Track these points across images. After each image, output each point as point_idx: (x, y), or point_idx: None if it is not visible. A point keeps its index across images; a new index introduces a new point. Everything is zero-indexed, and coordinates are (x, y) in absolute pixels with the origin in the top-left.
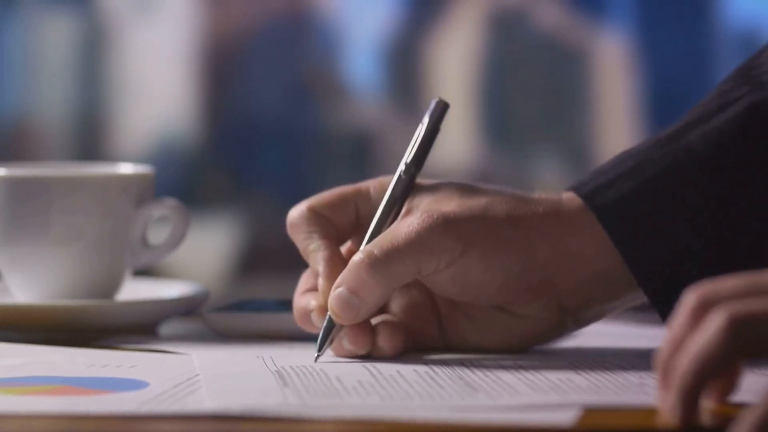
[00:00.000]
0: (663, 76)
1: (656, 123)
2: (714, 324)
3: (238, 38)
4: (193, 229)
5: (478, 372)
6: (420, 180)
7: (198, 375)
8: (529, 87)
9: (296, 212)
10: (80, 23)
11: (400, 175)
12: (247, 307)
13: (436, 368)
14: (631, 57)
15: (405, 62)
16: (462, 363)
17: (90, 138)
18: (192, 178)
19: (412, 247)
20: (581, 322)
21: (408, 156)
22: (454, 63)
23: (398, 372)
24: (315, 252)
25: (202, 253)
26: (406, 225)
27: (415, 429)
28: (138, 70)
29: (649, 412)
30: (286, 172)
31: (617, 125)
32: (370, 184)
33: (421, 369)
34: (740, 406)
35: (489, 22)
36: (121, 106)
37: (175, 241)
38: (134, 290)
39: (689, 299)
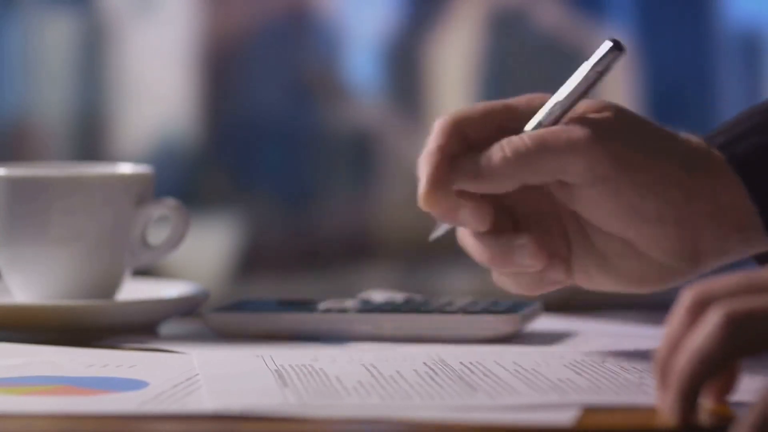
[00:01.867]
0: (663, 76)
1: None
2: (711, 323)
3: (238, 38)
4: (193, 229)
5: (478, 372)
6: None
7: (198, 375)
8: (529, 87)
9: (440, 122)
10: (80, 23)
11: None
12: (248, 307)
13: (436, 368)
14: (631, 57)
15: (405, 62)
16: (462, 363)
17: (90, 138)
18: (192, 178)
19: (563, 147)
20: (704, 272)
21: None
22: (454, 63)
23: (398, 372)
24: (424, 155)
25: (202, 253)
26: (562, 127)
27: (415, 429)
28: (138, 70)
29: (649, 412)
30: (286, 172)
31: None
32: (519, 102)
33: (421, 369)
34: (739, 406)
35: (489, 22)
36: (121, 106)
37: (175, 241)
38: (134, 290)
39: (686, 298)
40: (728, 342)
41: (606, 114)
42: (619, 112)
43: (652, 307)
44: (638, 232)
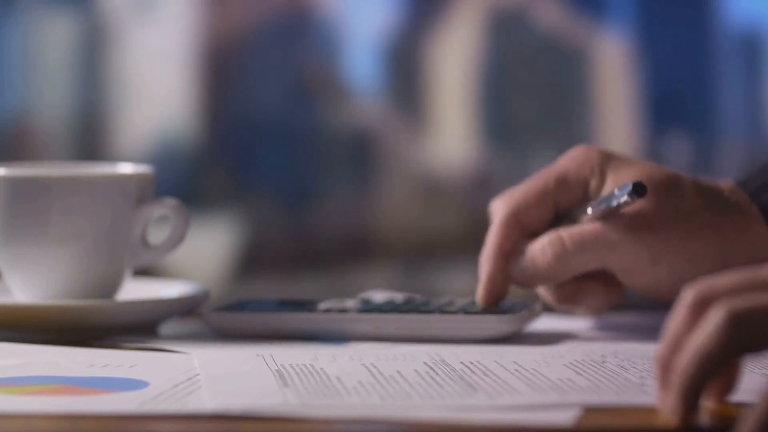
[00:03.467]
0: (663, 76)
1: (656, 123)
2: (713, 321)
3: (238, 38)
4: (193, 229)
5: (478, 372)
6: (620, 158)
7: (198, 375)
8: (529, 87)
9: (500, 213)
10: (80, 23)
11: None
12: (248, 306)
13: (436, 368)
14: (631, 57)
15: (405, 62)
16: (462, 363)
17: (90, 138)
18: (192, 178)
19: (602, 248)
20: None
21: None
22: (454, 63)
23: (398, 372)
24: (485, 256)
25: (202, 253)
26: (601, 223)
27: (415, 429)
28: (138, 70)
29: (649, 412)
30: (286, 172)
31: (617, 125)
32: (568, 172)
33: (421, 369)
34: (740, 405)
35: (489, 22)
36: (121, 106)
37: (175, 241)
38: (134, 290)
39: (687, 296)
40: (730, 340)
41: (641, 202)
42: (654, 192)
43: (652, 307)
44: (667, 293)
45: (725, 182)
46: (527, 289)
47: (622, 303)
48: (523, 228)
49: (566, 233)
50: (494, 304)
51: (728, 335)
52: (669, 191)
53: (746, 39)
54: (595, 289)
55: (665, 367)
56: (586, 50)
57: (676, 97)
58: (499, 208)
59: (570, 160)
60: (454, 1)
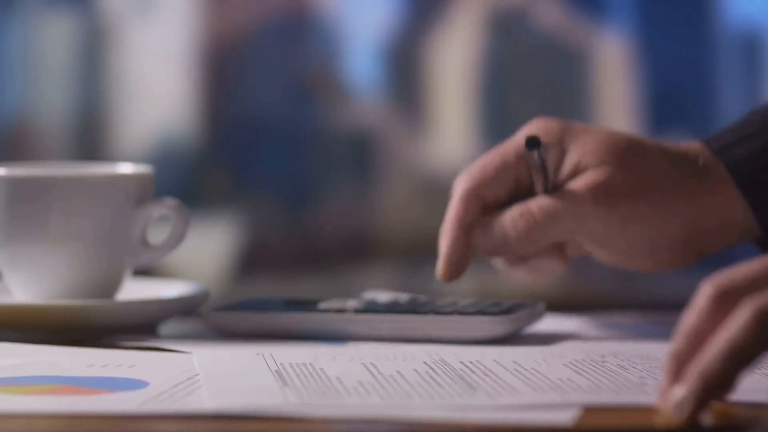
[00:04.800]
0: (663, 76)
1: (656, 123)
2: (742, 317)
3: (238, 38)
4: (193, 229)
5: (478, 372)
6: (580, 127)
7: (198, 374)
8: (529, 87)
9: (459, 188)
10: (80, 23)
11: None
12: (248, 306)
13: (436, 368)
14: (631, 57)
15: (405, 62)
16: (462, 363)
17: (90, 138)
18: (192, 178)
19: (571, 218)
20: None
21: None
22: (454, 63)
23: (398, 372)
24: (444, 229)
25: (202, 253)
26: (568, 194)
27: (415, 429)
28: (138, 70)
29: (649, 412)
30: (286, 172)
31: (617, 125)
32: (520, 145)
33: (422, 369)
34: (740, 405)
35: (489, 23)
36: (121, 106)
37: (175, 241)
38: (134, 290)
39: (706, 289)
40: (759, 336)
41: (606, 169)
42: (619, 159)
43: (652, 307)
44: (642, 263)
45: (691, 144)
46: (488, 259)
47: (562, 272)
48: (484, 202)
49: (535, 205)
50: (455, 277)
51: (757, 332)
52: (633, 157)
53: (746, 39)
54: (544, 254)
55: (681, 361)
56: (586, 50)
57: (676, 97)
58: (458, 184)
59: (529, 131)
60: (454, 1)
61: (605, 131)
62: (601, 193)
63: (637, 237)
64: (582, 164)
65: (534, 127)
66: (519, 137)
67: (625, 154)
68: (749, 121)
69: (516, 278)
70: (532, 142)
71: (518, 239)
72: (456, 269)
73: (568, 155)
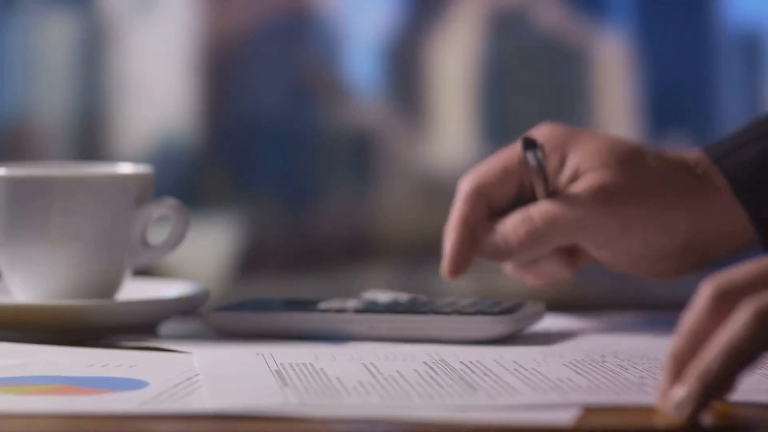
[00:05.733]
0: (663, 76)
1: (656, 123)
2: (742, 317)
3: (238, 38)
4: (193, 229)
5: (478, 372)
6: (582, 133)
7: (198, 374)
8: (529, 87)
9: (463, 188)
10: (80, 23)
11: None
12: (248, 306)
13: (436, 368)
14: (631, 57)
15: (405, 62)
16: (462, 363)
17: (90, 138)
18: (192, 178)
19: (571, 223)
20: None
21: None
22: (454, 63)
23: (398, 372)
24: (449, 227)
25: (202, 253)
26: (568, 198)
27: (415, 429)
28: (138, 70)
29: (649, 412)
30: (286, 172)
31: (617, 125)
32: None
33: (422, 369)
34: (740, 405)
35: (489, 22)
36: (121, 106)
37: (175, 241)
38: (134, 290)
39: (706, 290)
40: (759, 337)
41: (606, 172)
42: (619, 163)
43: (652, 307)
44: (647, 269)
45: (691, 152)
46: (496, 264)
47: (571, 280)
48: (488, 203)
49: (536, 211)
50: (458, 275)
51: (757, 332)
52: (633, 162)
53: (746, 39)
54: (551, 260)
55: (681, 361)
56: (586, 50)
57: (676, 97)
58: (463, 184)
59: (530, 135)
60: (454, 1)
61: (606, 137)
62: (600, 196)
63: (636, 241)
64: (582, 168)
65: (538, 130)
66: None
67: (625, 158)
68: (749, 129)
69: (523, 282)
70: (529, 143)
71: (520, 245)
72: (460, 267)
73: (568, 159)
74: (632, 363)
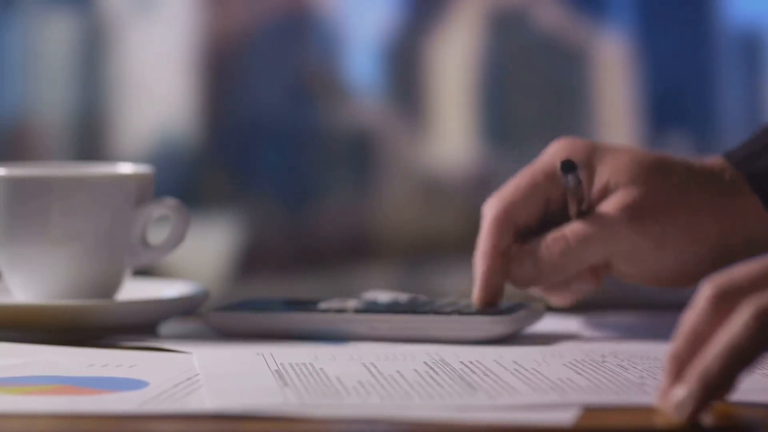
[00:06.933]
0: (663, 76)
1: (656, 123)
2: (743, 317)
3: (238, 38)
4: (193, 229)
5: (478, 372)
6: (606, 147)
7: (198, 374)
8: (529, 87)
9: (490, 213)
10: (80, 23)
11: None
12: (248, 306)
13: (435, 368)
14: (631, 57)
15: (405, 62)
16: (462, 363)
17: (90, 138)
18: (192, 178)
19: (605, 242)
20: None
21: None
22: (454, 63)
23: (398, 372)
24: (479, 255)
25: (202, 253)
26: (600, 217)
27: (415, 429)
28: (138, 70)
29: (649, 412)
30: (286, 172)
31: (617, 125)
32: (554, 162)
33: (422, 368)
34: (740, 405)
35: (489, 22)
36: (121, 106)
37: (175, 241)
38: (134, 290)
39: (706, 289)
40: (760, 336)
41: (636, 188)
42: (648, 178)
43: (652, 307)
44: (676, 280)
45: (714, 159)
46: (524, 290)
47: (596, 290)
48: (516, 225)
49: (568, 230)
50: (491, 304)
51: (757, 332)
52: (661, 175)
53: (746, 39)
54: (580, 277)
55: (681, 361)
56: (586, 50)
57: (676, 96)
58: (489, 209)
59: (556, 152)
60: (454, 1)
61: (632, 150)
62: (633, 214)
63: (668, 256)
64: (612, 184)
65: (561, 147)
66: (546, 157)
67: (653, 173)
68: (766, 132)
69: (552, 302)
70: (568, 166)
71: (553, 266)
72: (493, 296)
73: (596, 175)
74: (632, 363)
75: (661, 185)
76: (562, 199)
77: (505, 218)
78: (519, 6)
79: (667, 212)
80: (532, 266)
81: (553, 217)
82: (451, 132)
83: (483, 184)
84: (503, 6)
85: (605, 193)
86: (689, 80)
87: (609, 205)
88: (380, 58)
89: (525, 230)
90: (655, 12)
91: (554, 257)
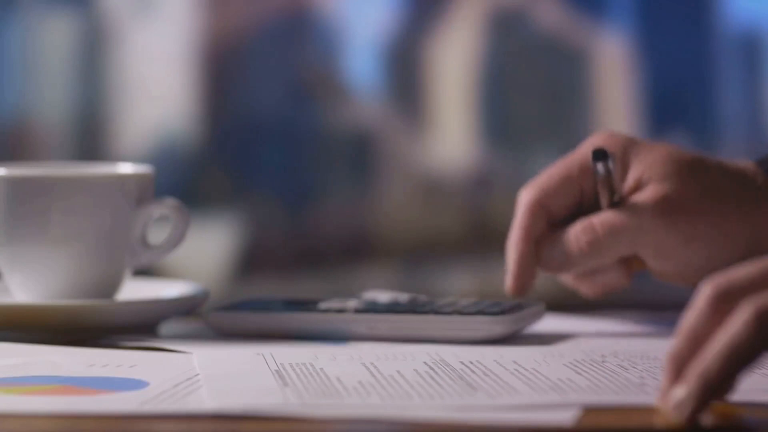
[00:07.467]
0: (663, 76)
1: (656, 123)
2: (741, 318)
3: (238, 38)
4: (193, 229)
5: (478, 372)
6: (642, 142)
7: (198, 374)
8: (529, 87)
9: (525, 200)
10: (80, 23)
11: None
12: (248, 306)
13: (435, 368)
14: (631, 57)
15: (405, 62)
16: (462, 363)
17: (90, 138)
18: (192, 178)
19: (633, 233)
20: None
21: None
22: (454, 63)
23: (398, 372)
24: (512, 242)
25: (202, 253)
26: (631, 208)
27: (415, 429)
28: (138, 70)
29: (649, 412)
30: (286, 172)
31: (617, 125)
32: (589, 157)
33: (421, 369)
34: (740, 405)
35: (489, 22)
36: (121, 106)
37: (175, 241)
38: (134, 290)
39: (705, 290)
40: (759, 337)
41: (669, 183)
42: (682, 173)
43: (652, 307)
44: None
45: (745, 163)
46: (555, 276)
47: (626, 287)
48: (549, 214)
49: (598, 220)
50: (524, 292)
51: (757, 332)
52: (694, 172)
53: (746, 39)
54: (610, 269)
55: (681, 361)
56: (586, 50)
57: (676, 96)
58: (524, 196)
59: (593, 143)
60: (454, 1)
61: (668, 146)
62: (664, 208)
63: (696, 253)
64: (645, 177)
65: (599, 139)
66: (583, 149)
67: (688, 169)
68: None
69: (578, 292)
70: (599, 154)
71: (581, 255)
72: (526, 284)
73: (631, 168)
74: (632, 363)
75: (694, 183)
76: (596, 191)
77: (538, 206)
78: (519, 6)
79: (699, 209)
80: (560, 253)
81: (587, 209)
82: (451, 132)
83: (483, 184)
84: (503, 6)
85: (638, 186)
86: (689, 80)
87: (640, 197)
88: (380, 58)
89: (558, 220)
90: (655, 12)
91: (582, 245)
